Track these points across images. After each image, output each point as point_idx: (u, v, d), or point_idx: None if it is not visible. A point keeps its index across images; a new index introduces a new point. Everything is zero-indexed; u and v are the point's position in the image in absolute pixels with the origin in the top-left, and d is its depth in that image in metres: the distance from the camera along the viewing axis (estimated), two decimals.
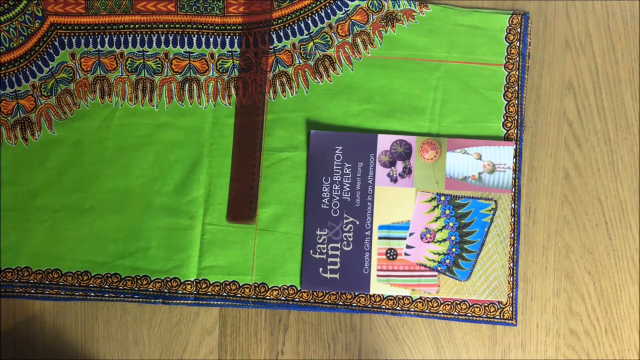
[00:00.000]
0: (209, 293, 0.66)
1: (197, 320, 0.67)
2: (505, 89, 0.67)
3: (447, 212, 0.66)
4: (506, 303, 0.66)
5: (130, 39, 0.67)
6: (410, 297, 0.66)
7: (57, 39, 0.66)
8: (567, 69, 0.69)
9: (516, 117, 0.67)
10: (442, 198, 0.66)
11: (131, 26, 0.67)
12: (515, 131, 0.67)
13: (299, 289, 0.66)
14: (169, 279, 0.66)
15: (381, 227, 0.66)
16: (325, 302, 0.66)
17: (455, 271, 0.66)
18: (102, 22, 0.66)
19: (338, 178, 0.66)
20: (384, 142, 0.66)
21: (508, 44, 0.68)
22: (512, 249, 0.67)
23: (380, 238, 0.66)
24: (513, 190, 0.67)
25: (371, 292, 0.66)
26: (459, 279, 0.66)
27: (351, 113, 0.67)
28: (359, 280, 0.66)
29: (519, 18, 0.68)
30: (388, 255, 0.66)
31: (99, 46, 0.67)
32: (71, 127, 0.66)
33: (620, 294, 0.68)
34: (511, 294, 0.66)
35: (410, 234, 0.66)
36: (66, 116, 0.66)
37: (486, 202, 0.66)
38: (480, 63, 0.67)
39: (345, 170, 0.66)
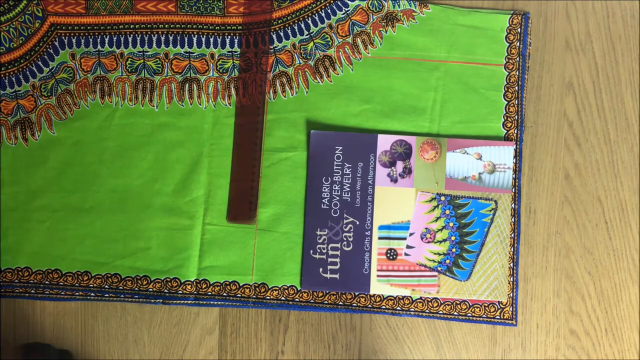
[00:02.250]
0: (209, 293, 0.66)
1: (197, 321, 0.67)
2: (505, 89, 0.67)
3: (447, 212, 0.66)
4: (506, 303, 0.66)
5: (130, 39, 0.67)
6: (410, 297, 0.66)
7: (57, 39, 0.66)
8: (567, 69, 0.69)
9: (516, 117, 0.67)
10: (442, 198, 0.66)
11: (131, 26, 0.67)
12: (515, 131, 0.67)
13: (299, 289, 0.66)
14: (169, 279, 0.66)
15: (381, 227, 0.66)
16: (325, 302, 0.66)
17: (455, 271, 0.66)
18: (102, 22, 0.66)
19: (338, 178, 0.66)
20: (384, 142, 0.66)
21: (508, 44, 0.68)
22: (512, 249, 0.67)
23: (380, 238, 0.66)
24: (513, 190, 0.67)
25: (371, 292, 0.66)
26: (459, 279, 0.66)
27: (351, 113, 0.67)
28: (359, 280, 0.66)
29: (519, 18, 0.68)
30: (388, 255, 0.66)
31: (99, 46, 0.67)
32: (71, 127, 0.66)
33: (620, 294, 0.68)
34: (511, 294, 0.66)
35: (411, 234, 0.66)
36: (66, 116, 0.66)
37: (486, 202, 0.66)
38: (480, 63, 0.67)
39: (345, 171, 0.66)
